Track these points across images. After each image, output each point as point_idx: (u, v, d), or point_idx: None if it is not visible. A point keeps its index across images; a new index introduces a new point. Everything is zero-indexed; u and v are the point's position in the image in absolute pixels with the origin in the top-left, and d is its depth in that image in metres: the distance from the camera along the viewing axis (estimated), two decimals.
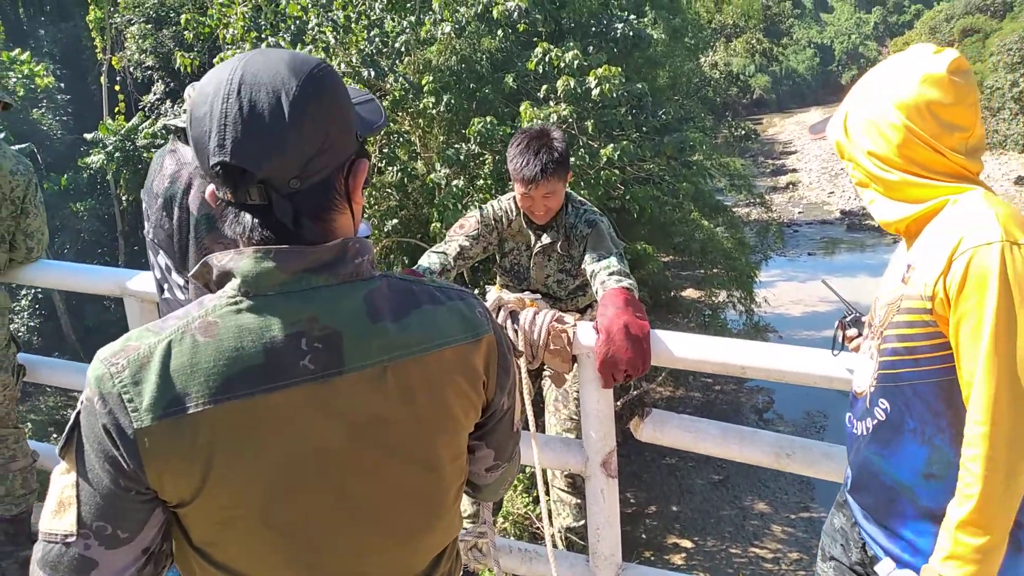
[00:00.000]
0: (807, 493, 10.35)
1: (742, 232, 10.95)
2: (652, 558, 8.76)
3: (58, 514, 0.91)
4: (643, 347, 2.04)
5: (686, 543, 9.67)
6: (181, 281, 2.12)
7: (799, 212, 25.35)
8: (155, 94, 9.89)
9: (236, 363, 0.89)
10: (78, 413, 0.92)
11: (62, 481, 0.92)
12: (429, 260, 2.58)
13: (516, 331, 2.20)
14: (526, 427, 2.23)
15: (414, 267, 2.61)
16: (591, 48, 7.60)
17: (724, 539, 9.74)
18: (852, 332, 1.81)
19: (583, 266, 2.54)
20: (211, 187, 0.96)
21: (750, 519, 10.16)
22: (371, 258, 0.99)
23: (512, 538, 7.69)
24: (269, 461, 0.91)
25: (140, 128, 8.28)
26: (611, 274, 2.36)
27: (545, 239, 2.66)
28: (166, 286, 2.19)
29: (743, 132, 16.37)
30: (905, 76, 1.40)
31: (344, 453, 0.95)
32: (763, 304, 12.54)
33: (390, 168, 7.27)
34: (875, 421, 1.49)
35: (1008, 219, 1.30)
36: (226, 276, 0.93)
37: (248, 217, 0.93)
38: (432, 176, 7.25)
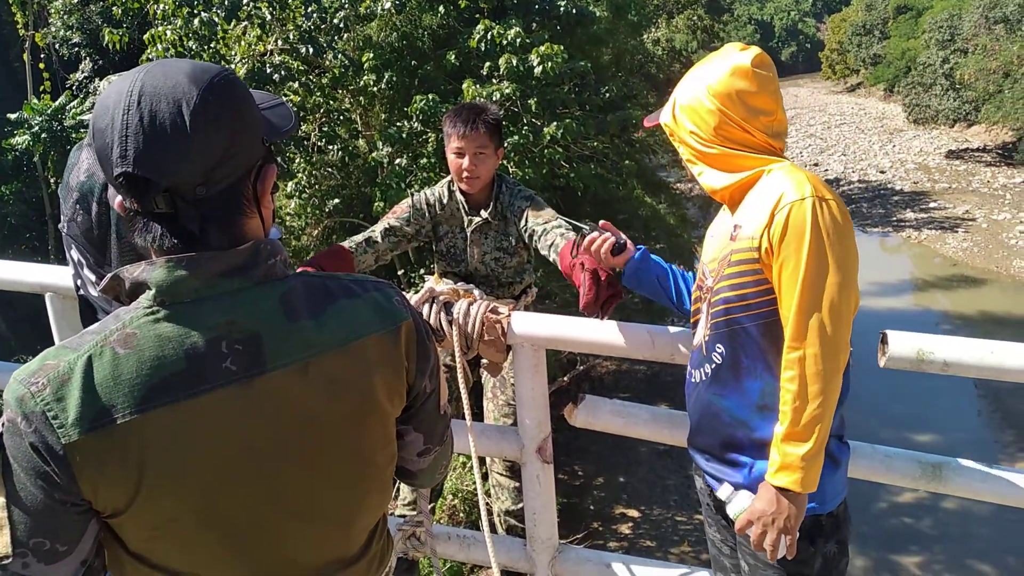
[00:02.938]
0: None
1: (684, 208, 11.09)
2: (600, 528, 8.93)
3: None
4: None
5: (633, 512, 9.87)
6: (93, 277, 2.08)
7: None
8: (83, 72, 9.52)
9: (158, 372, 0.91)
10: (0, 435, 0.92)
11: None
12: (354, 238, 2.64)
13: (450, 322, 2.21)
14: (462, 416, 2.24)
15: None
16: (534, 25, 7.55)
17: (670, 507, 9.96)
18: (593, 235, 1.99)
19: (528, 229, 2.56)
20: (119, 198, 0.96)
21: (695, 487, 10.41)
22: (284, 258, 1.01)
23: (462, 515, 7.75)
24: (201, 463, 0.93)
25: (68, 108, 7.97)
26: (566, 231, 2.45)
27: (480, 217, 2.66)
28: (79, 282, 2.14)
29: None
30: (718, 68, 1.64)
31: (273, 450, 0.97)
32: None
33: (331, 147, 7.15)
34: (713, 365, 1.70)
35: (815, 180, 1.56)
36: (139, 287, 0.95)
37: (156, 226, 0.94)
38: (374, 155, 7.16)
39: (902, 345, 1.89)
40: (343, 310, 1.02)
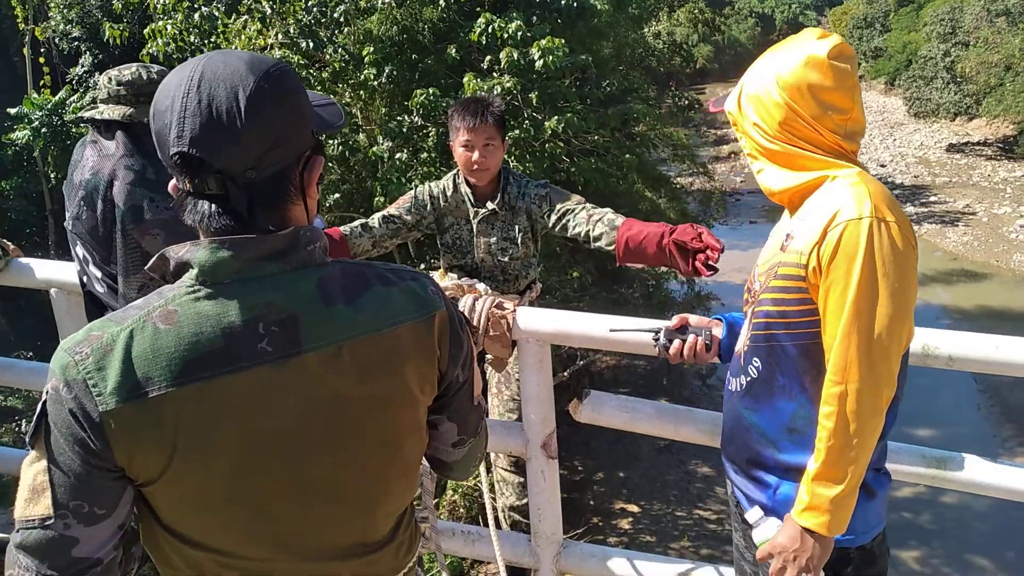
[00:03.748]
0: None
1: (685, 202, 11.08)
2: (600, 523, 8.94)
3: (32, 501, 0.95)
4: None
5: (633, 508, 9.88)
6: (99, 274, 2.09)
7: (741, 181, 25.69)
8: (83, 66, 9.49)
9: (196, 348, 0.94)
10: (44, 403, 0.96)
11: (33, 469, 0.96)
12: (350, 224, 2.69)
13: None
14: None
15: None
16: (535, 19, 7.53)
17: (669, 502, 9.98)
18: (676, 344, 1.89)
19: (559, 211, 2.60)
20: (172, 181, 1.02)
21: (695, 482, 10.42)
22: (324, 245, 1.04)
23: (463, 510, 7.77)
24: (232, 439, 0.97)
25: (68, 102, 7.94)
26: (611, 215, 2.51)
27: (486, 208, 2.68)
28: (85, 278, 2.15)
29: (686, 102, 16.45)
30: (791, 58, 1.50)
31: (304, 430, 1.00)
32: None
33: (331, 141, 7.13)
34: (748, 378, 1.61)
35: (879, 197, 1.42)
36: (183, 267, 0.99)
37: (206, 205, 0.98)
38: (374, 149, 7.14)
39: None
40: (378, 297, 1.05)
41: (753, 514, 1.62)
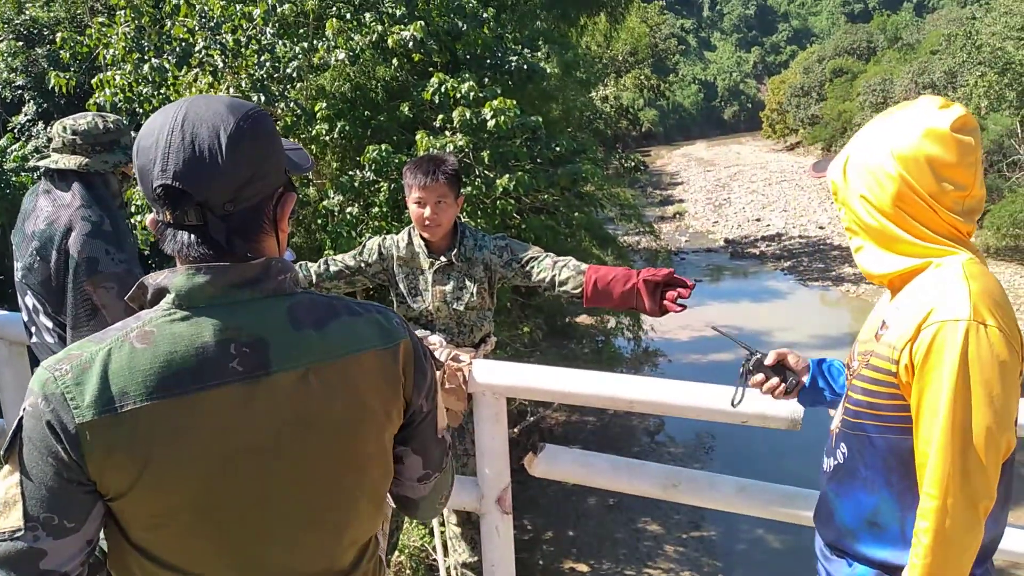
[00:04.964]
0: (698, 513, 10.65)
1: (631, 260, 11.28)
2: None
3: (2, 514, 0.98)
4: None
5: (582, 567, 9.77)
6: (50, 324, 2.04)
7: (686, 240, 26.34)
8: (26, 115, 9.32)
9: (170, 366, 0.99)
10: (20, 419, 0.99)
11: (5, 484, 0.99)
12: (334, 260, 2.76)
13: None
14: None
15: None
16: (486, 80, 7.70)
17: (619, 561, 9.90)
18: (757, 378, 1.78)
19: (521, 259, 2.67)
20: (151, 215, 1.07)
21: (644, 540, 10.37)
22: (293, 277, 1.10)
23: (408, 571, 7.56)
24: (201, 456, 1.00)
25: (9, 150, 7.79)
26: (573, 262, 2.60)
27: (442, 260, 2.70)
28: (34, 328, 2.09)
29: (633, 164, 16.93)
30: (907, 127, 1.38)
31: (272, 450, 1.03)
32: (651, 330, 12.92)
33: None
34: (835, 462, 1.54)
35: (980, 296, 1.31)
36: (161, 293, 1.04)
37: (185, 235, 1.04)
38: (325, 203, 7.13)
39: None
40: (345, 325, 1.09)
41: None
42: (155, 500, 1.00)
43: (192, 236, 1.04)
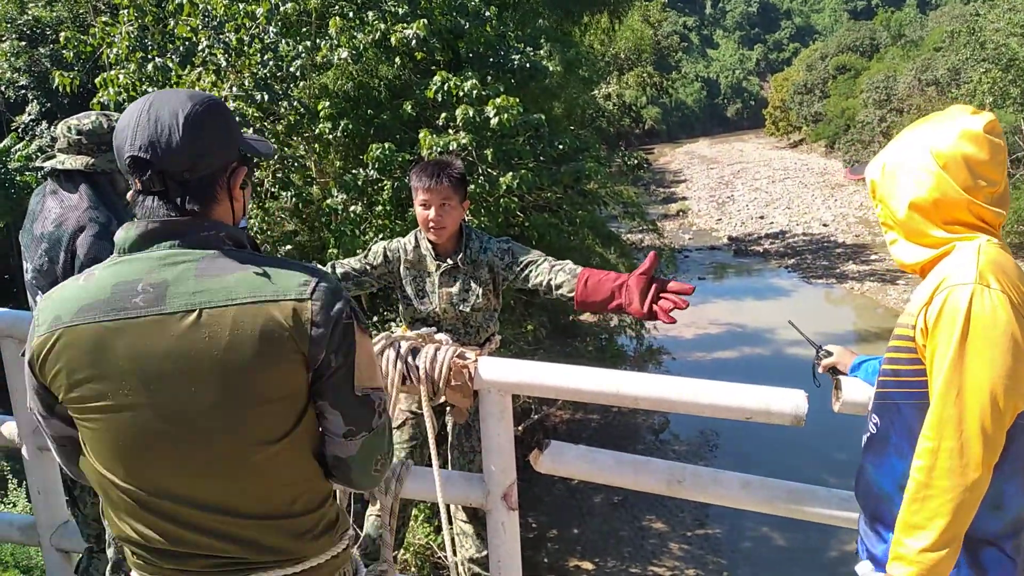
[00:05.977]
0: (702, 510, 10.66)
1: (635, 258, 11.28)
2: None
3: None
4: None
5: (587, 565, 9.77)
6: None
7: (689, 238, 26.31)
8: (29, 115, 9.34)
9: (92, 297, 1.22)
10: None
11: None
12: (340, 263, 2.81)
13: (417, 367, 2.19)
14: (429, 463, 2.22)
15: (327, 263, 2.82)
16: (489, 78, 7.69)
17: (624, 559, 9.90)
18: (827, 361, 2.08)
19: (521, 263, 2.69)
20: (131, 191, 1.27)
21: (648, 538, 10.37)
22: (229, 235, 1.26)
23: (414, 569, 7.57)
24: (110, 371, 1.20)
25: (13, 150, 7.81)
26: (570, 265, 2.62)
27: (448, 263, 2.71)
28: None
29: (636, 161, 16.92)
30: (944, 130, 1.56)
31: (169, 379, 1.20)
32: (655, 328, 12.90)
33: (284, 193, 7.11)
34: (868, 434, 1.67)
35: (987, 265, 1.46)
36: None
37: (151, 200, 1.25)
38: (328, 202, 7.14)
39: (855, 391, 1.94)
40: (248, 277, 1.22)
41: (863, 567, 1.65)
42: (80, 404, 1.23)
43: (156, 200, 1.25)
